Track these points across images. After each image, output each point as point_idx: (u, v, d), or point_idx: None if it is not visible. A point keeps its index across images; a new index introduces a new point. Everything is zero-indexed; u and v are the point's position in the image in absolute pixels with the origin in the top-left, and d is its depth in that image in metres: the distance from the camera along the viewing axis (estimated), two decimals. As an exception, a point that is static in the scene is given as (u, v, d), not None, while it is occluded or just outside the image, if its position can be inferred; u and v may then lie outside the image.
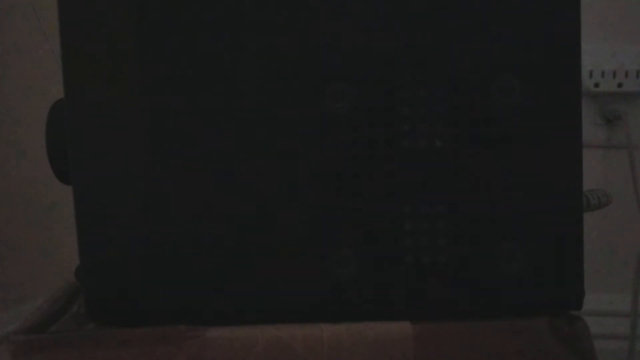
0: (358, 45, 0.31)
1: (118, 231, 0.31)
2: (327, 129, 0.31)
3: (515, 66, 0.31)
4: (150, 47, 0.31)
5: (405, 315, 0.31)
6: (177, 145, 0.31)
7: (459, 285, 0.32)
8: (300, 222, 0.31)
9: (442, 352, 0.31)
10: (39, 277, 0.79)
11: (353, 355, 0.31)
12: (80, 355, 0.30)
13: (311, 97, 0.31)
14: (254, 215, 0.31)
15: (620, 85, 0.80)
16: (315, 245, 0.31)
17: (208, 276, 0.32)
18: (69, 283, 0.37)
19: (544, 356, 0.31)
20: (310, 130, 0.31)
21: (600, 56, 0.80)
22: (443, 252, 0.32)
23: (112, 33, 0.31)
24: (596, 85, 0.80)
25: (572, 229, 0.32)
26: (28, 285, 0.79)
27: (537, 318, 0.31)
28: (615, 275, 0.83)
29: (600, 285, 0.81)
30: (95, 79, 0.31)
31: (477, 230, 0.31)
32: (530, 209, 0.31)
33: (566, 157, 0.31)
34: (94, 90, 0.31)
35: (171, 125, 0.31)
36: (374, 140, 0.31)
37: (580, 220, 0.32)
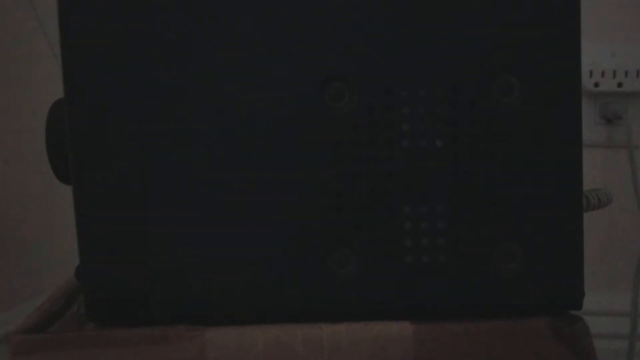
0: (358, 45, 0.31)
1: (118, 231, 0.31)
2: (327, 129, 0.31)
3: (515, 66, 0.31)
4: (150, 45, 0.31)
5: (405, 315, 0.31)
6: (177, 144, 0.31)
7: (459, 285, 0.32)
8: (299, 221, 0.31)
9: (442, 352, 0.31)
10: (39, 277, 0.79)
11: (353, 355, 0.31)
12: (80, 355, 0.31)
13: (311, 97, 0.31)
14: (254, 214, 0.31)
15: (620, 85, 0.80)
16: (315, 245, 0.31)
17: (208, 276, 0.32)
18: (69, 283, 0.37)
19: (544, 356, 0.31)
20: (310, 130, 0.31)
21: (600, 56, 0.80)
22: (443, 252, 0.32)
23: (112, 32, 0.31)
24: (596, 85, 0.80)
25: (572, 229, 0.32)
26: (28, 285, 0.79)
27: (537, 318, 0.31)
28: (615, 275, 0.83)
29: (600, 285, 0.81)
30: (96, 78, 0.31)
31: (477, 230, 0.31)
32: (530, 209, 0.31)
33: (566, 157, 0.31)
34: (94, 90, 0.31)
35: (171, 124, 0.31)
36: (374, 140, 0.31)
37: (580, 220, 0.32)
